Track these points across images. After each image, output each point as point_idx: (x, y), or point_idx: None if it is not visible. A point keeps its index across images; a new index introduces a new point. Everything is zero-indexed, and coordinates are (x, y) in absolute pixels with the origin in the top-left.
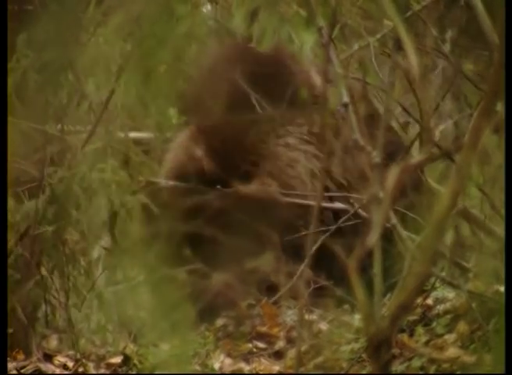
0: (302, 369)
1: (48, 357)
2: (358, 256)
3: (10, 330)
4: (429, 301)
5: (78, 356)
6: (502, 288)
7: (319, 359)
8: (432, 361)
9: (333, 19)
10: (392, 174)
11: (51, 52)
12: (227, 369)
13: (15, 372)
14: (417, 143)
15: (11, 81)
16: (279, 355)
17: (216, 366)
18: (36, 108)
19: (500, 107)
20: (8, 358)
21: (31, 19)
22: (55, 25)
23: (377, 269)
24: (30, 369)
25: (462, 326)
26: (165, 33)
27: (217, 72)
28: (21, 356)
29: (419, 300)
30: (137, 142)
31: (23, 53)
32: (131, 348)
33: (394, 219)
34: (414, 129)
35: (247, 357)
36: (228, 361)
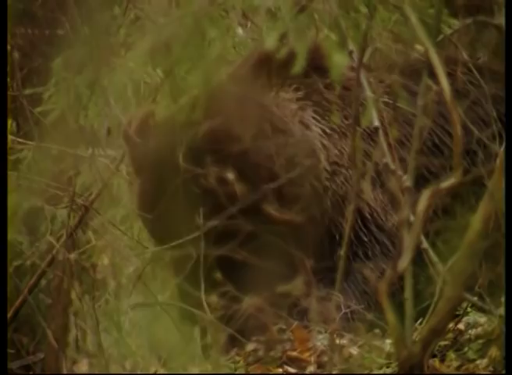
0: None
1: None
2: (389, 280)
3: (41, 355)
4: (461, 326)
5: None
6: None
7: None
8: None
9: (364, 43)
10: (423, 198)
11: (82, 76)
12: None
13: None
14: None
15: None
16: None
17: None
18: (67, 132)
19: None
20: None
21: (63, 43)
22: (86, 49)
23: (408, 293)
24: None
25: (494, 352)
26: (196, 56)
27: (245, 95)
28: None
29: (451, 325)
30: None
31: (61, 76)
32: (161, 373)
33: (425, 243)
34: None
35: None
36: None
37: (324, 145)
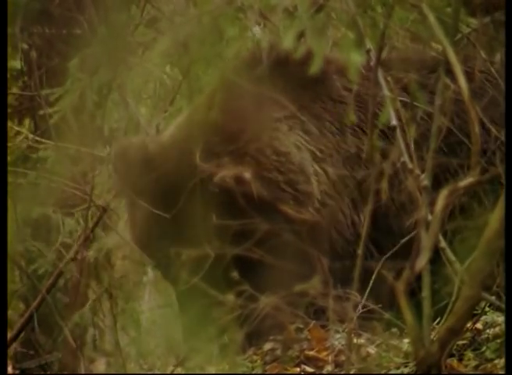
0: None
1: None
2: (407, 279)
3: (59, 354)
4: (479, 326)
5: None
6: None
7: None
8: None
9: (381, 42)
10: (441, 197)
11: (100, 76)
12: None
13: None
14: None
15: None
16: None
17: None
18: (85, 131)
19: None
20: None
21: (80, 43)
22: (104, 49)
23: (426, 292)
24: None
25: None
26: (213, 55)
27: (261, 93)
28: None
29: (468, 324)
30: None
31: (77, 77)
32: (179, 372)
33: (443, 243)
34: None
35: None
36: None
37: (316, 171)
